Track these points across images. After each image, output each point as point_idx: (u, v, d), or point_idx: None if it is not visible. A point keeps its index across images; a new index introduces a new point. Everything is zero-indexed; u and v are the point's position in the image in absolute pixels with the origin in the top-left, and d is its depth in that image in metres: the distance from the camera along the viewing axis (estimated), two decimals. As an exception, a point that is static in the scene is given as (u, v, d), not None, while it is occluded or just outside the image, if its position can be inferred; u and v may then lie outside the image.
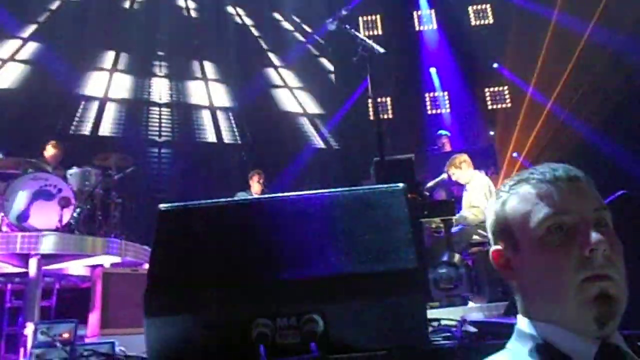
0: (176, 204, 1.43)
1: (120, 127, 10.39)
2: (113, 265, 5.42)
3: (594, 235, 0.89)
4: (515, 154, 10.80)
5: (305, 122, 11.89)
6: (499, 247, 1.01)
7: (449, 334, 1.61)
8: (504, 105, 11.84)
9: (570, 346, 0.90)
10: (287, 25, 12.64)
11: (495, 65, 11.76)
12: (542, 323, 0.95)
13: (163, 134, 10.79)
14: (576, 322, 0.90)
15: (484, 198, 5.28)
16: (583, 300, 0.88)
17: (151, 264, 1.34)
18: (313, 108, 12.05)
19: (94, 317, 4.45)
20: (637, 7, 9.24)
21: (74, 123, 9.99)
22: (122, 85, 10.87)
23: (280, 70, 12.17)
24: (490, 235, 1.06)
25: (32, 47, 10.13)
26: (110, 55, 10.93)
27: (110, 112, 10.48)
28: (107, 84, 10.71)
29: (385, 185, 1.43)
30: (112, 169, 6.21)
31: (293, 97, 12.03)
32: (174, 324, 1.30)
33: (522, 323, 0.98)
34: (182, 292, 1.29)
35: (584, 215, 0.92)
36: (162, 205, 1.43)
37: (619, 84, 9.49)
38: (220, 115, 11.38)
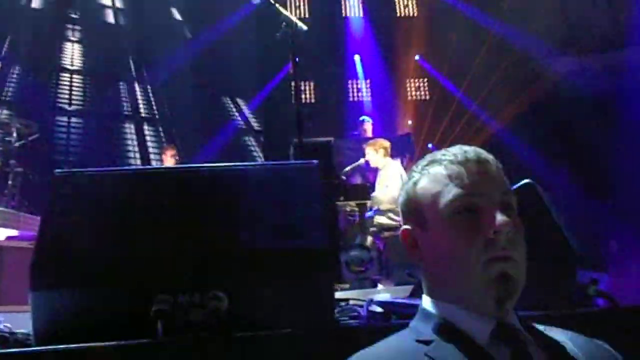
0: (73, 169, 1.32)
1: (25, 92, 9.66)
2: (9, 238, 5.06)
3: (499, 217, 0.91)
4: (430, 145, 11.19)
5: (226, 101, 11.64)
6: (408, 226, 1.03)
7: (355, 314, 1.62)
8: (422, 97, 12.22)
9: (469, 325, 0.93)
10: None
11: (417, 57, 12.07)
12: (445, 303, 0.97)
13: (74, 102, 10.17)
14: (477, 301, 0.92)
15: (397, 181, 5.44)
16: (485, 279, 0.90)
17: (40, 233, 1.23)
18: (236, 89, 11.82)
19: (-16, 293, 4.14)
20: (547, 11, 9.82)
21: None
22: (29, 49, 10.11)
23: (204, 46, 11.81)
24: (400, 214, 1.07)
25: None
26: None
27: (14, 76, 9.72)
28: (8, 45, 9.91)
29: (299, 162, 1.40)
30: (12, 135, 5.77)
31: (214, 74, 11.72)
32: (63, 299, 1.20)
33: (426, 303, 1.01)
34: (74, 265, 1.19)
35: (491, 198, 0.94)
36: (57, 171, 1.31)
37: (525, 84, 10.08)
38: (137, 88, 10.89)
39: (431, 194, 0.98)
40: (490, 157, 0.99)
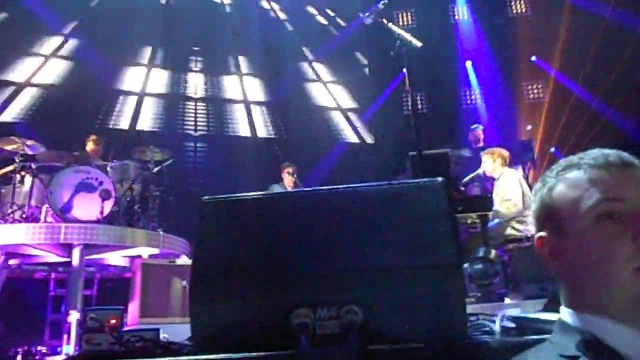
0: (218, 196, 1.47)
1: (158, 121, 10.61)
2: (151, 256, 5.57)
3: None
4: (553, 149, 10.57)
5: (338, 117, 11.89)
6: (543, 234, 0.99)
7: (487, 329, 1.60)
8: (542, 100, 11.58)
9: (622, 342, 0.87)
10: (321, 19, 12.65)
11: (533, 58, 11.50)
12: (590, 315, 0.92)
13: (198, 128, 10.96)
14: (627, 313, 0.87)
15: (517, 192, 5.21)
16: (635, 289, 0.86)
17: (195, 255, 1.39)
18: (347, 102, 12.04)
19: (133, 306, 4.59)
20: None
21: (113, 118, 10.25)
22: (159, 81, 11.09)
23: (314, 64, 12.20)
24: (534, 222, 1.04)
25: (72, 43, 10.42)
26: (147, 51, 11.15)
27: (148, 107, 10.70)
28: (144, 79, 10.94)
29: (424, 180, 1.43)
30: (150, 162, 6.35)
31: (327, 91, 12.04)
32: (217, 313, 1.34)
33: (566, 315, 0.96)
34: (225, 283, 1.33)
35: (637, 202, 0.89)
36: (204, 198, 1.47)
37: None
38: (254, 110, 11.48)
39: (570, 199, 0.94)
40: (635, 160, 0.94)
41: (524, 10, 12.07)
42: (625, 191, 0.90)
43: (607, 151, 0.96)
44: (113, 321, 1.60)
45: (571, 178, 0.96)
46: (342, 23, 12.42)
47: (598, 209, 0.90)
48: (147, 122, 10.53)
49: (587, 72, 10.13)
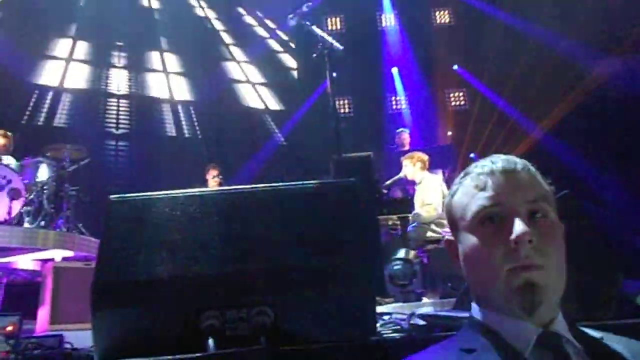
0: (126, 194, 1.41)
1: (76, 118, 10.11)
2: (64, 259, 5.28)
3: (518, 227, 0.92)
4: (472, 155, 11.03)
5: (266, 119, 11.84)
6: (450, 237, 1.07)
7: (398, 327, 1.65)
8: (462, 106, 12.09)
9: (512, 333, 0.93)
10: (250, 19, 12.56)
11: (455, 67, 11.98)
12: (488, 310, 0.98)
13: (120, 126, 10.55)
14: (510, 309, 0.93)
15: (437, 196, 5.40)
16: (510, 289, 0.92)
17: (99, 256, 1.32)
18: (275, 104, 12.02)
19: (43, 312, 4.33)
20: (589, 13, 9.60)
21: (27, 113, 9.67)
22: (79, 75, 10.58)
23: (243, 65, 12.08)
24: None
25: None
26: (66, 43, 10.61)
27: (66, 103, 10.18)
28: (62, 73, 10.40)
29: (338, 180, 1.45)
30: (66, 160, 6.04)
31: (255, 92, 11.96)
32: (121, 317, 1.28)
33: (474, 310, 1.03)
34: (130, 285, 1.28)
35: (514, 207, 0.96)
36: (112, 196, 1.41)
37: (570, 88, 9.84)
38: (180, 109, 11.21)
39: (462, 205, 1.02)
40: (520, 165, 1.00)
41: (447, 21, 12.54)
42: (504, 195, 0.97)
43: (496, 157, 1.03)
44: (10, 328, 1.50)
45: (464, 185, 1.04)
46: (271, 25, 12.39)
47: (479, 214, 0.98)
48: (64, 118, 10.01)
49: (507, 83, 10.67)
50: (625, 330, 1.49)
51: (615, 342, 0.97)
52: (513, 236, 0.91)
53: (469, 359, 0.92)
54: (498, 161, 1.01)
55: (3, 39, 9.44)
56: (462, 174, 1.07)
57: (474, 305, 1.03)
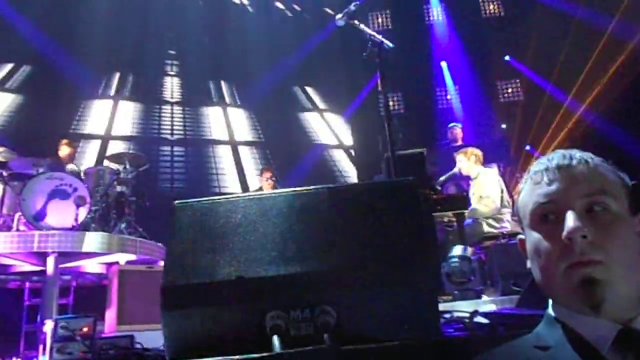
0: (190, 199, 1.46)
1: (133, 126, 10.50)
2: (128, 262, 5.50)
3: (570, 223, 0.91)
4: (528, 147, 10.72)
5: (316, 119, 11.90)
6: (522, 235, 1.06)
7: (461, 326, 1.62)
8: (516, 98, 11.76)
9: (589, 330, 0.91)
10: (293, 18, 12.63)
11: (507, 57, 11.67)
12: (560, 307, 0.97)
13: (175, 132, 10.87)
14: (576, 307, 0.92)
15: (495, 189, 5.28)
16: (569, 287, 0.90)
17: (166, 259, 1.37)
18: (323, 104, 12.06)
19: (110, 314, 4.53)
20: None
21: (88, 123, 10.11)
22: (134, 85, 10.97)
23: (291, 67, 12.18)
24: None
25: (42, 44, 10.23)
26: (123, 59, 11.01)
27: (123, 111, 10.57)
28: (117, 83, 10.82)
29: (396, 179, 1.44)
30: (126, 167, 6.28)
31: (304, 93, 12.04)
32: (190, 318, 1.33)
33: (549, 306, 1.01)
34: (196, 287, 1.32)
35: (568, 202, 0.94)
36: (176, 202, 1.46)
37: (637, 80, 9.37)
38: (231, 113, 11.43)
39: (523, 203, 1.02)
40: (576, 159, 0.98)
41: (496, 11, 12.23)
42: (557, 192, 0.96)
43: (555, 153, 1.02)
44: (85, 329, 1.58)
45: (527, 182, 1.03)
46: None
47: (535, 213, 0.98)
48: (122, 127, 10.40)
49: (559, 71, 10.30)
50: None
51: None
52: (565, 232, 0.90)
53: (542, 356, 0.91)
54: (554, 157, 1.01)
55: (66, 52, 9.88)
56: (528, 171, 1.06)
57: (550, 302, 1.01)
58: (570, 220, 0.91)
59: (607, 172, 0.99)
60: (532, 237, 0.98)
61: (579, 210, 0.92)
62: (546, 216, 0.95)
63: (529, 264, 1.02)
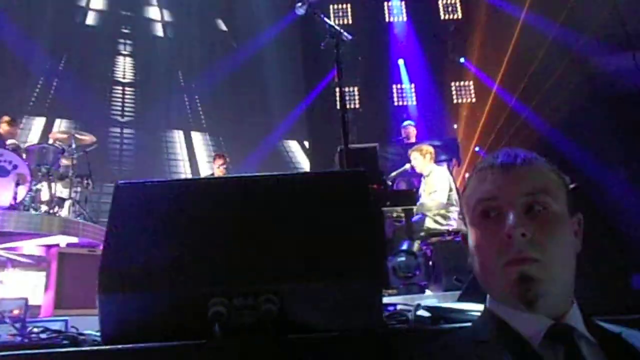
0: (134, 180, 1.41)
1: (82, 105, 10.12)
2: (69, 245, 5.31)
3: (510, 220, 0.93)
4: (477, 149, 11.00)
5: (271, 109, 11.81)
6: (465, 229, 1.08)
7: (403, 318, 1.64)
8: (468, 100, 12.03)
9: (523, 325, 0.93)
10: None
11: (462, 59, 11.91)
12: (497, 302, 0.99)
13: (126, 114, 10.56)
14: (510, 302, 0.94)
15: (444, 186, 5.39)
16: (507, 282, 0.93)
17: (106, 240, 1.32)
18: (280, 96, 11.98)
19: (48, 297, 4.37)
20: (601, 10, 9.49)
21: (33, 99, 9.68)
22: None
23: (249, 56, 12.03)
24: None
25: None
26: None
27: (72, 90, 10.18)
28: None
29: (346, 170, 1.44)
30: (72, 147, 6.05)
31: (259, 83, 11.92)
32: (128, 302, 1.28)
33: (488, 301, 1.03)
34: (137, 270, 1.27)
35: (510, 201, 0.96)
36: (119, 181, 1.40)
37: (580, 85, 9.75)
38: (186, 98, 11.21)
39: (467, 199, 1.04)
40: (520, 158, 1.00)
41: (456, 13, 12.46)
42: (500, 189, 0.97)
43: (499, 152, 1.04)
44: (16, 311, 1.50)
45: (471, 179, 1.05)
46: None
47: (477, 208, 0.99)
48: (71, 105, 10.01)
49: (508, 75, 10.61)
50: (635, 326, 1.48)
51: (635, 337, 0.96)
52: (505, 230, 0.92)
53: (481, 349, 0.92)
54: (499, 155, 1.02)
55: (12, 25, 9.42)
56: (474, 168, 1.07)
57: (488, 297, 1.03)
58: (511, 218, 0.93)
59: (549, 172, 1.01)
60: (473, 233, 1.00)
61: (520, 209, 0.94)
62: (488, 213, 0.97)
63: (469, 259, 1.04)
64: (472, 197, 1.01)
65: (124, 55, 11.03)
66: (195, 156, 10.41)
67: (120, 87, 10.71)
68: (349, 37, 3.48)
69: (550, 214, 0.95)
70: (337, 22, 11.62)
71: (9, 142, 5.92)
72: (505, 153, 1.01)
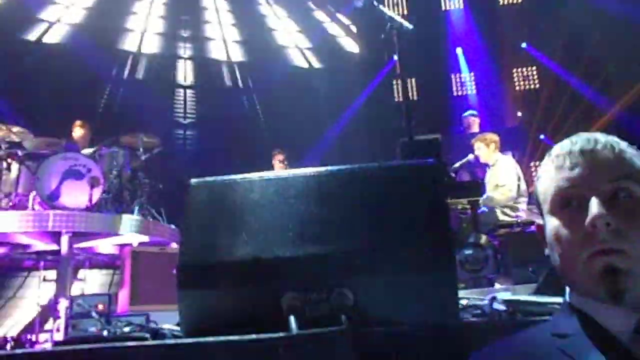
0: (205, 178, 1.45)
1: (147, 108, 10.49)
2: (141, 244, 5.53)
3: (594, 209, 0.87)
4: (542, 136, 10.59)
5: (330, 103, 11.81)
6: (540, 220, 1.02)
7: (478, 312, 1.60)
8: (532, 86, 11.59)
9: (608, 319, 0.89)
10: (311, 4, 12.52)
11: (523, 45, 11.48)
12: (579, 295, 0.94)
13: (188, 115, 10.87)
14: (594, 296, 0.89)
15: (512, 178, 5.22)
16: (591, 275, 0.87)
17: (182, 238, 1.36)
18: (338, 89, 11.95)
19: (123, 294, 4.58)
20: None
21: (102, 103, 10.13)
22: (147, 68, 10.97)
23: (305, 51, 12.09)
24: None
25: (62, 28, 10.24)
26: (135, 37, 11.00)
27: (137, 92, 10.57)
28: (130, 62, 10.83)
29: (414, 161, 1.42)
30: (140, 149, 6.29)
31: (318, 77, 11.95)
32: (205, 298, 1.32)
33: (568, 294, 0.98)
34: (212, 267, 1.31)
35: (592, 188, 0.90)
36: (192, 180, 1.44)
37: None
38: (243, 95, 11.39)
39: (544, 188, 0.98)
40: (601, 143, 0.94)
41: (514, 1, 12.04)
42: (581, 177, 0.92)
43: (577, 137, 0.98)
44: (100, 307, 1.58)
45: (547, 167, 0.99)
46: (331, 8, 12.30)
47: (557, 197, 0.94)
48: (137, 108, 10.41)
49: (579, 60, 10.14)
50: None
51: None
52: (588, 219, 0.87)
53: (561, 343, 0.88)
54: (577, 140, 0.96)
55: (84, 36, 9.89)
56: (548, 155, 1.01)
57: (568, 290, 0.99)
58: (595, 206, 0.87)
59: (632, 157, 0.95)
60: (552, 223, 0.94)
61: (603, 197, 0.89)
62: (568, 202, 0.92)
63: (547, 251, 0.99)
64: (550, 186, 0.95)
65: (184, 59, 11.35)
66: (251, 152, 10.57)
67: (182, 90, 11.04)
68: (410, 26, 3.43)
69: (635, 201, 0.90)
70: (394, 12, 11.48)
71: (84, 148, 6.23)
72: (584, 138, 0.96)
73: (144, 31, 11.11)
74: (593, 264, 0.87)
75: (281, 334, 1.21)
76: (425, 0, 12.03)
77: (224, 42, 11.67)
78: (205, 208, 1.42)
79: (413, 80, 11.37)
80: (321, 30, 12.16)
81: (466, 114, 7.71)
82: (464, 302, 1.73)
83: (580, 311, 0.93)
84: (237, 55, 11.71)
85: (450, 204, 4.68)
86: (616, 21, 9.55)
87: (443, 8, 12.15)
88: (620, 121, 9.30)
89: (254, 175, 1.42)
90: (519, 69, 11.65)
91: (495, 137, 5.60)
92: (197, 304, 1.31)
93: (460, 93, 11.75)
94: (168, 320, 1.65)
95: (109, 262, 6.38)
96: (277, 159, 7.12)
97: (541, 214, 1.01)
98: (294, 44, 12.07)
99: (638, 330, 0.86)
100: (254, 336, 1.22)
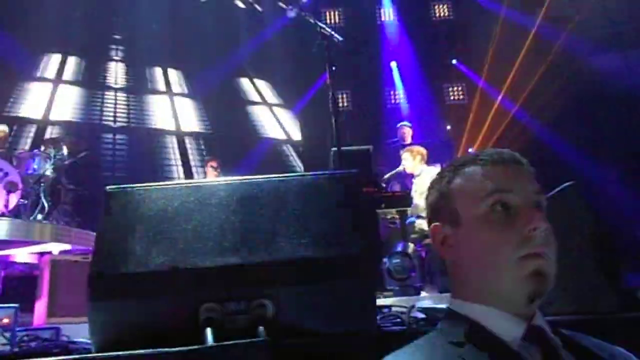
0: (123, 185, 1.39)
1: (74, 111, 10.06)
2: (62, 252, 5.26)
3: (537, 215, 0.93)
4: (470, 149, 11.02)
5: (265, 112, 11.79)
6: (438, 223, 1.05)
7: (398, 320, 1.63)
8: (460, 101, 12.07)
9: (499, 327, 0.93)
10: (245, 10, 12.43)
11: (454, 61, 11.95)
12: (474, 304, 0.97)
13: (118, 119, 10.51)
14: (508, 298, 0.93)
15: None
16: (519, 276, 0.91)
17: (95, 247, 1.30)
18: (273, 98, 11.96)
19: (40, 305, 4.32)
20: (580, 6, 9.59)
21: (24, 106, 9.61)
22: (75, 69, 10.52)
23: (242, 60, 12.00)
24: (430, 213, 1.09)
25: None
26: (64, 40, 10.52)
27: (63, 96, 10.12)
28: (58, 66, 10.34)
29: (339, 171, 1.43)
30: (63, 153, 6.01)
31: (253, 86, 11.90)
32: (118, 309, 1.26)
33: (454, 304, 1.02)
34: (127, 277, 1.26)
35: (527, 196, 0.96)
36: (108, 187, 1.39)
37: (568, 82, 9.82)
38: (177, 102, 11.16)
39: (466, 192, 1.00)
40: (524, 160, 1.02)
41: (446, 14, 12.50)
42: (516, 184, 0.97)
43: (500, 150, 1.04)
44: (5, 320, 1.48)
45: (468, 172, 1.02)
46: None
47: (491, 200, 0.97)
48: (62, 111, 9.94)
49: (505, 78, 10.66)
50: (626, 324, 1.48)
51: (584, 340, 0.98)
52: (532, 224, 0.92)
53: (460, 352, 0.91)
54: (505, 152, 1.02)
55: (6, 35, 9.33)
56: (458, 162, 1.05)
57: (454, 299, 1.03)
58: (535, 213, 0.93)
59: None
60: (475, 227, 0.97)
61: (533, 205, 0.96)
62: (504, 205, 0.95)
63: (449, 258, 1.03)
64: (479, 189, 0.98)
65: (116, 61, 10.98)
66: (189, 161, 10.36)
67: (112, 92, 10.66)
68: (340, 38, 3.48)
69: (545, 215, 0.97)
70: (328, 25, 11.60)
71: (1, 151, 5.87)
72: (510, 152, 1.02)
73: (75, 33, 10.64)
74: (524, 266, 0.91)
75: (196, 347, 1.18)
76: (362, 14, 12.26)
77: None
78: (122, 216, 1.36)
79: (348, 91, 11.57)
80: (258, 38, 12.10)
81: (400, 124, 7.90)
82: (385, 310, 1.76)
83: (469, 319, 0.96)
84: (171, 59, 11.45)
85: (380, 214, 4.77)
86: (538, 41, 10.16)
87: (378, 22, 12.43)
88: (542, 137, 9.84)
89: (174, 183, 1.38)
90: (449, 84, 12.11)
91: (422, 149, 5.77)
92: (109, 316, 1.25)
93: (393, 105, 12.04)
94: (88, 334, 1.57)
95: (27, 272, 6.02)
96: (210, 166, 7.01)
97: (447, 218, 1.03)
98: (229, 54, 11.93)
99: (526, 337, 0.91)
100: (166, 349, 1.17)
